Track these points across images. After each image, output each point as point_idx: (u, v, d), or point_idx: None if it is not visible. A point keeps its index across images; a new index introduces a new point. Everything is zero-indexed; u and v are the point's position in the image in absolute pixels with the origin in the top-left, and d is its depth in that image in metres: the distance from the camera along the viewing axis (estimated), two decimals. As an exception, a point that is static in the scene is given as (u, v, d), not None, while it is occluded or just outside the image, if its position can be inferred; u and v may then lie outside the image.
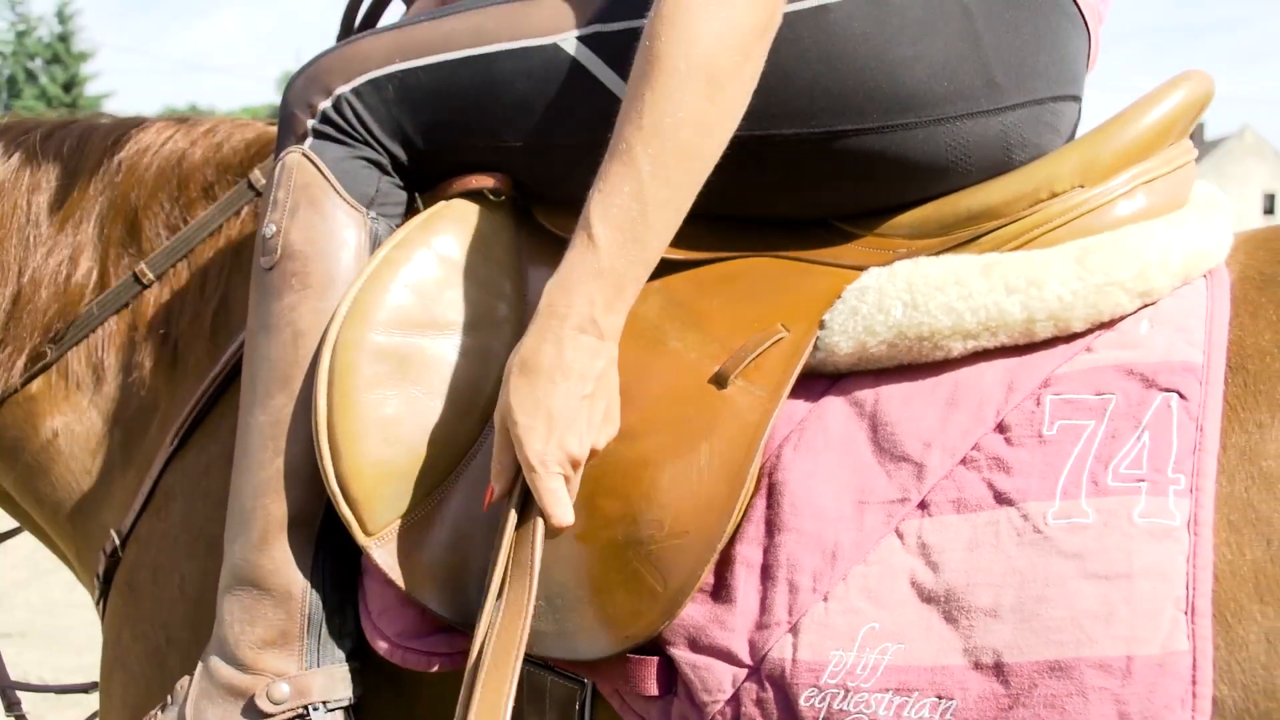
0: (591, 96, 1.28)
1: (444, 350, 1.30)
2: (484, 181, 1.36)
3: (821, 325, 1.22)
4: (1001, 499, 1.11)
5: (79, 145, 1.66)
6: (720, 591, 1.17)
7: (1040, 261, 1.18)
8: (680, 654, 1.17)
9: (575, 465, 1.16)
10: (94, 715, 1.65)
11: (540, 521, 1.16)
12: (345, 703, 1.32)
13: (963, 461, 1.14)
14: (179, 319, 1.57)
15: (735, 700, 1.15)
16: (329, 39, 1.72)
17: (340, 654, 1.33)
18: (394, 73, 1.35)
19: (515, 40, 1.31)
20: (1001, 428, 1.15)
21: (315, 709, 1.31)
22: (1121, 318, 1.17)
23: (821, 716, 1.11)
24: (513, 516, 1.18)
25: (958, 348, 1.18)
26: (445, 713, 1.30)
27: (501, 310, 1.34)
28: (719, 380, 1.22)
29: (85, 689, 1.77)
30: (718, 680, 1.15)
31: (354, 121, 1.36)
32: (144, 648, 1.49)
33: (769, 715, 1.13)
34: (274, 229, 1.35)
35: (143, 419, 1.58)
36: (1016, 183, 1.24)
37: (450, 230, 1.34)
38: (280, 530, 1.31)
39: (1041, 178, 1.23)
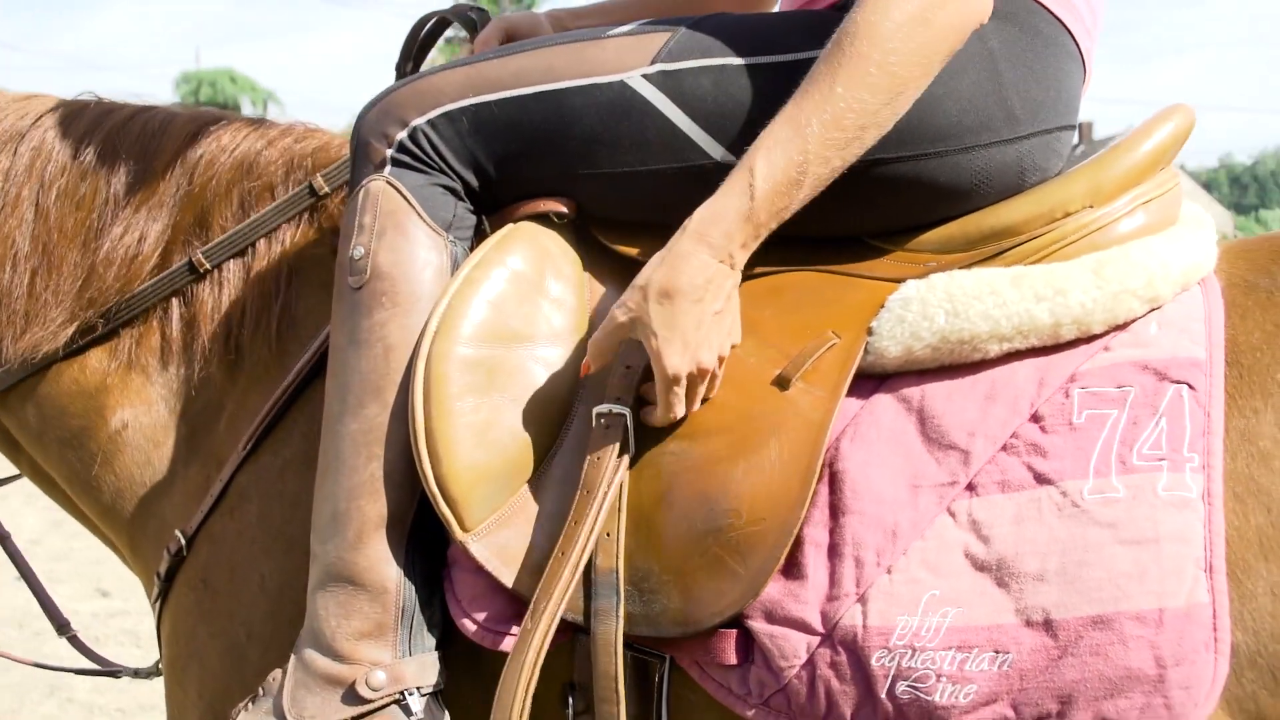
0: (657, 129, 1.43)
1: (521, 360, 1.44)
2: (551, 205, 1.50)
3: (870, 332, 1.38)
4: (1041, 479, 1.28)
5: (159, 132, 1.74)
6: (791, 569, 1.32)
7: (1063, 273, 1.35)
8: (758, 626, 1.32)
9: (704, 374, 1.34)
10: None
11: (623, 480, 1.34)
12: (436, 688, 1.44)
13: (1003, 448, 1.31)
14: (242, 323, 1.66)
15: (810, 664, 1.30)
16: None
17: (430, 643, 1.45)
18: (467, 106, 1.48)
19: (584, 78, 1.46)
20: (1036, 418, 1.32)
21: (410, 694, 1.42)
22: (1133, 321, 1.35)
23: (891, 674, 1.26)
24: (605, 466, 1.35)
25: (994, 349, 1.35)
26: None
27: (568, 323, 1.47)
28: (781, 383, 1.37)
29: (147, 674, 1.84)
30: (793, 647, 1.30)
31: (430, 151, 1.49)
32: (222, 644, 1.58)
33: (843, 676, 1.28)
34: (363, 251, 1.47)
35: (207, 416, 1.66)
36: (1033, 203, 1.41)
37: (522, 250, 1.47)
38: (375, 530, 1.43)
39: (1056, 199, 1.41)
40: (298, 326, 1.65)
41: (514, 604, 1.40)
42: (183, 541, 1.62)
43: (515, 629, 1.40)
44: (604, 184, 1.48)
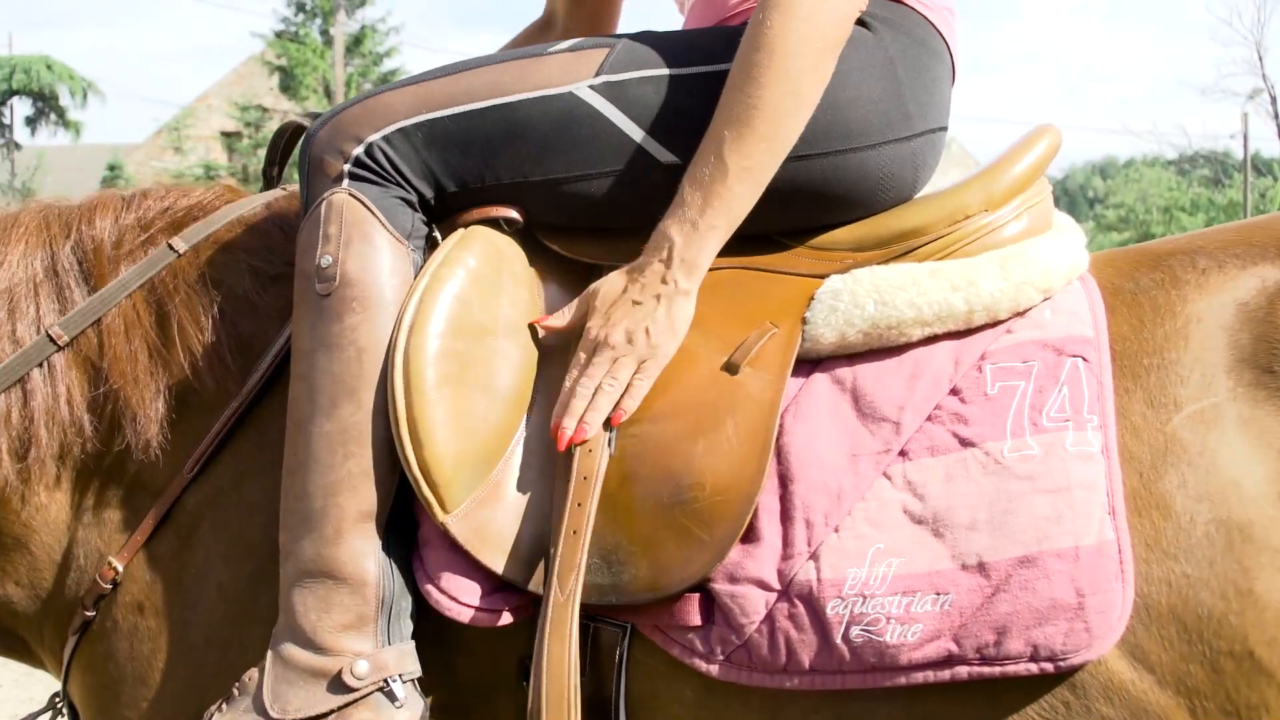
0: (607, 136, 1.57)
1: (487, 352, 1.54)
2: (503, 212, 1.61)
3: (804, 321, 1.55)
4: (965, 443, 1.47)
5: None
6: (749, 534, 1.47)
7: (972, 267, 1.55)
8: (720, 587, 1.46)
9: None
10: None
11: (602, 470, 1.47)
12: (416, 674, 1.51)
13: (929, 419, 1.49)
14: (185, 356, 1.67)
15: (769, 619, 1.44)
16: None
17: (407, 631, 1.53)
18: (421, 121, 1.58)
19: (533, 90, 1.58)
20: (955, 391, 1.51)
21: (393, 681, 1.49)
22: (1030, 308, 1.56)
23: (845, 620, 1.42)
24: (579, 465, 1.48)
25: (916, 334, 1.54)
26: (482, 662, 1.55)
27: (522, 317, 1.59)
28: (730, 369, 1.52)
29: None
30: (753, 604, 1.45)
31: (387, 166, 1.58)
32: (174, 653, 1.60)
33: (801, 626, 1.43)
34: (330, 259, 1.54)
35: (123, 465, 1.66)
36: (935, 208, 1.61)
37: (479, 250, 1.58)
38: (354, 524, 1.50)
39: (955, 204, 1.61)
40: (252, 352, 1.68)
41: (489, 581, 1.50)
42: (119, 569, 1.63)
43: (494, 605, 1.49)
44: (557, 190, 1.60)
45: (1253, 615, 1.40)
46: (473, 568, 1.50)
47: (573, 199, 1.60)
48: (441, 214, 1.64)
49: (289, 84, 30.03)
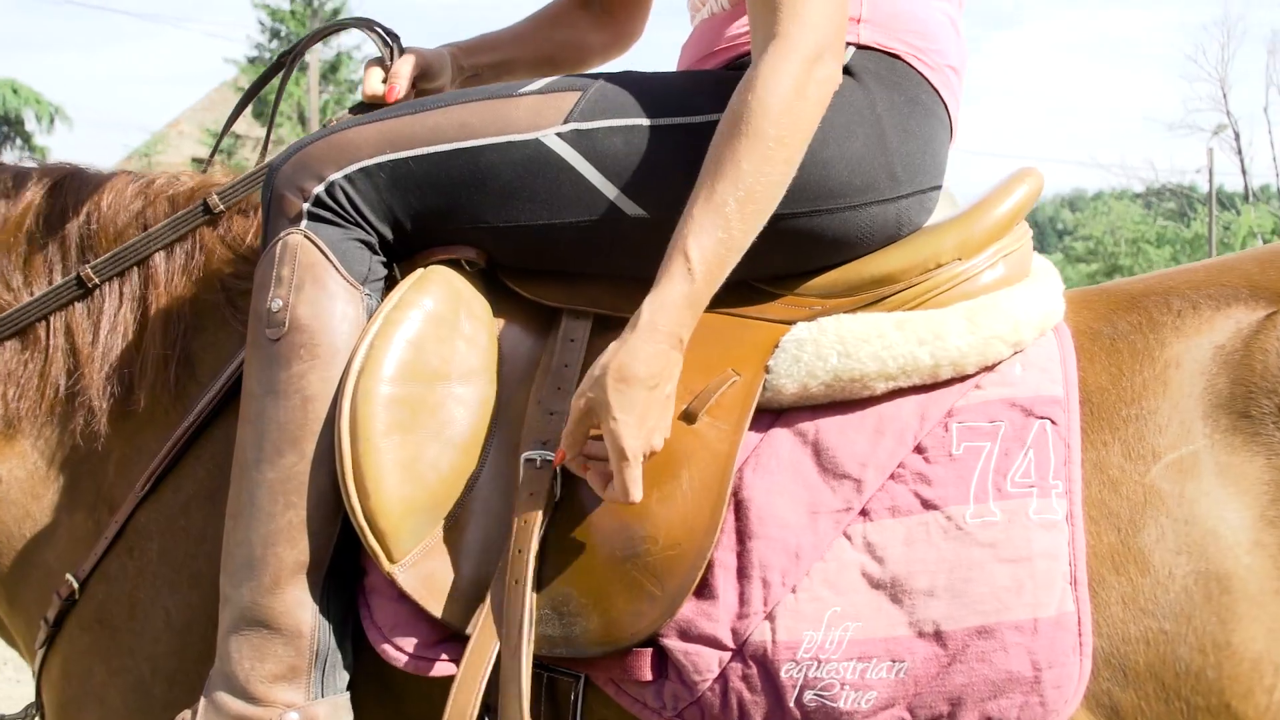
0: (572, 185, 1.52)
1: (441, 398, 1.50)
2: (464, 253, 1.57)
3: (767, 370, 1.50)
4: (927, 505, 1.42)
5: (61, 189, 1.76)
6: (703, 591, 1.43)
7: (940, 319, 1.50)
8: (672, 644, 1.42)
9: (653, 455, 1.42)
10: None
11: (538, 524, 1.42)
12: None
13: (892, 477, 1.45)
14: (133, 363, 1.66)
15: (722, 678, 1.40)
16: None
17: (342, 683, 1.50)
18: (384, 162, 1.54)
19: (500, 135, 1.53)
20: (919, 449, 1.46)
21: None
22: (1000, 362, 1.51)
23: (799, 684, 1.38)
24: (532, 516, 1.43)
25: (880, 387, 1.49)
26: (437, 711, 1.48)
27: (481, 361, 1.55)
28: (688, 417, 1.47)
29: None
30: (706, 662, 1.41)
31: (347, 206, 1.54)
32: (125, 681, 1.58)
33: (754, 687, 1.39)
34: (281, 304, 1.51)
35: (94, 463, 1.66)
36: (908, 254, 1.56)
37: (436, 292, 1.54)
38: (292, 575, 1.47)
39: (929, 251, 1.56)
40: (194, 366, 1.67)
41: (437, 631, 1.46)
42: (75, 585, 1.61)
43: (444, 656, 1.45)
44: (519, 236, 1.56)
45: (1229, 668, 1.37)
46: (420, 617, 1.47)
47: (534, 246, 1.56)
48: (401, 252, 1.60)
49: (262, 110, 29.84)
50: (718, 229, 1.40)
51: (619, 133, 1.52)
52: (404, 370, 1.49)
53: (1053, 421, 1.46)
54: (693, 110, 1.53)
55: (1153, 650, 1.38)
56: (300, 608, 1.47)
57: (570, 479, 1.47)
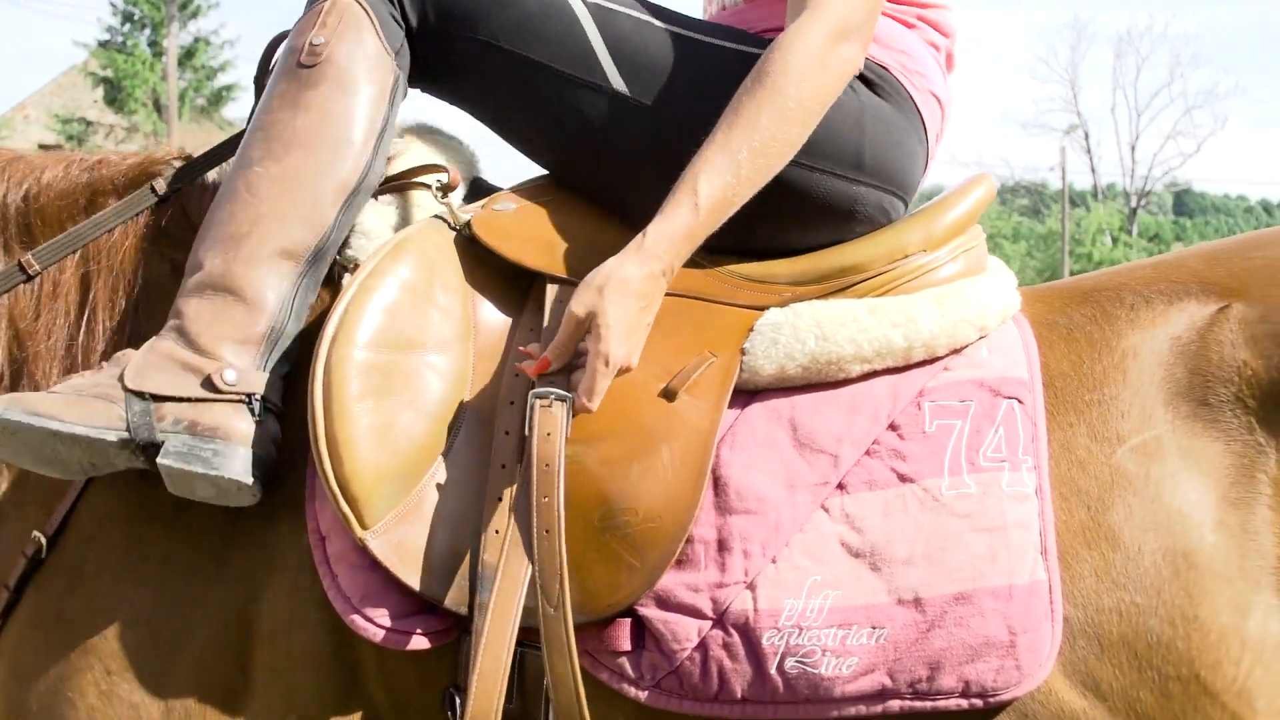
0: (575, 40, 1.61)
1: (415, 366, 1.50)
2: (439, 172, 1.63)
3: (743, 352, 1.55)
4: (904, 478, 1.48)
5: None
6: (682, 562, 1.44)
7: (911, 304, 1.56)
8: (650, 613, 1.43)
9: (624, 372, 1.46)
10: None
11: (558, 492, 1.40)
12: (279, 408, 1.54)
13: (867, 453, 1.50)
14: (80, 350, 1.64)
15: (702, 647, 1.42)
16: None
17: (283, 371, 1.56)
18: None
19: None
20: (893, 426, 1.51)
21: (256, 399, 1.51)
22: (967, 345, 1.57)
23: (781, 651, 1.41)
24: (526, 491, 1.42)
25: (856, 370, 1.54)
26: (401, 688, 1.50)
27: (455, 331, 1.55)
28: (668, 395, 1.50)
29: None
30: (685, 631, 1.43)
31: None
32: (85, 679, 1.52)
33: (735, 656, 1.42)
34: (323, 40, 1.60)
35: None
36: (875, 246, 1.62)
37: (412, 261, 1.54)
38: (270, 256, 1.54)
39: (895, 243, 1.62)
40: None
41: (409, 601, 1.45)
42: (43, 541, 1.56)
43: (407, 626, 1.44)
44: (512, 67, 1.63)
45: (1198, 639, 1.43)
46: (391, 587, 1.45)
47: (522, 83, 1.64)
48: (419, 60, 1.67)
49: (115, 96, 28.74)
50: (727, 172, 1.47)
51: (631, 20, 1.63)
52: (378, 337, 1.49)
53: (1020, 401, 1.52)
54: (702, 31, 1.64)
55: (1125, 622, 1.44)
56: (269, 284, 1.54)
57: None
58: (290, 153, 1.56)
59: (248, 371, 1.52)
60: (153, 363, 1.51)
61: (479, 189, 1.73)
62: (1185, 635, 1.43)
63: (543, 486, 1.40)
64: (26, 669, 1.55)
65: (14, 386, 1.64)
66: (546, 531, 1.39)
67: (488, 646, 1.39)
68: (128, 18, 30.34)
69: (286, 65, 1.61)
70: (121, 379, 1.51)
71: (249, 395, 1.51)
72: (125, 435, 1.48)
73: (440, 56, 1.67)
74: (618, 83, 1.61)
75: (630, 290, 1.44)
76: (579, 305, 1.45)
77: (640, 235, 1.47)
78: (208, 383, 1.51)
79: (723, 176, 1.47)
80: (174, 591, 1.53)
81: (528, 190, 1.69)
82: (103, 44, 29.98)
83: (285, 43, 1.65)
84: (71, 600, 1.55)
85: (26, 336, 1.65)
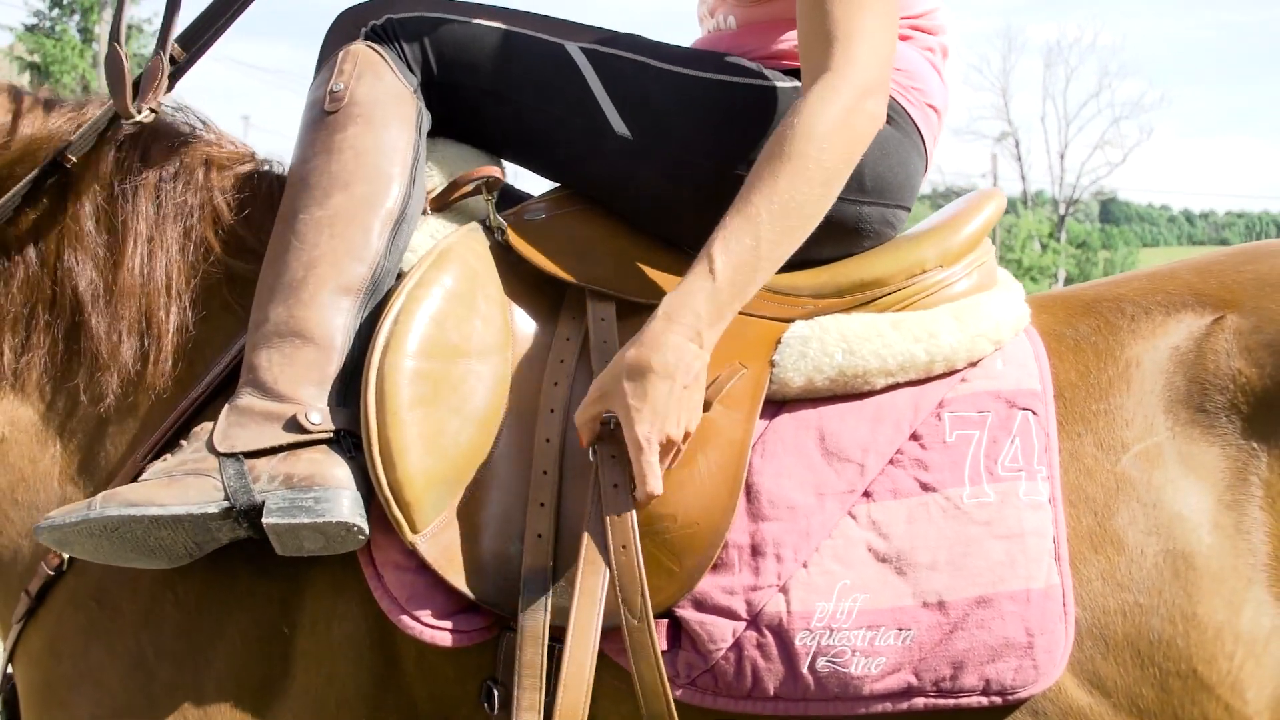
0: (577, 89, 1.67)
1: (461, 374, 1.56)
2: (488, 171, 1.67)
3: (772, 364, 1.61)
4: (926, 487, 1.55)
5: None
6: (717, 566, 1.51)
7: (931, 319, 1.64)
8: (687, 614, 1.50)
9: (671, 445, 1.48)
10: None
11: (632, 512, 1.47)
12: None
13: (891, 462, 1.57)
14: (138, 340, 1.65)
15: (736, 646, 1.49)
16: None
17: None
18: (432, 16, 1.72)
19: (534, 33, 1.70)
20: (915, 437, 1.59)
21: (345, 436, 1.53)
22: (982, 358, 1.66)
23: (812, 651, 1.49)
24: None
25: (880, 382, 1.61)
26: (439, 684, 1.55)
27: (496, 339, 1.61)
28: (702, 405, 1.56)
29: None
30: (721, 632, 1.50)
31: (393, 40, 1.69)
32: (125, 662, 1.57)
33: (769, 655, 1.49)
34: (343, 86, 1.65)
35: (93, 429, 1.64)
36: (894, 261, 1.69)
37: (456, 269, 1.60)
38: (330, 294, 1.57)
39: (913, 259, 1.69)
40: (205, 352, 1.67)
41: (452, 601, 1.51)
42: (64, 557, 1.59)
43: (453, 624, 1.50)
44: (516, 116, 1.70)
45: (1195, 636, 1.52)
46: (438, 588, 1.51)
47: (527, 131, 1.71)
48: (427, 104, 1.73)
49: (43, 83, 28.13)
50: (745, 235, 1.50)
51: (630, 63, 1.68)
52: (427, 346, 1.54)
53: (1034, 412, 1.61)
54: (701, 67, 1.68)
55: (1129, 622, 1.53)
56: (333, 322, 1.56)
57: (580, 457, 1.54)
58: (331, 196, 1.59)
59: (331, 409, 1.54)
60: (235, 422, 1.52)
61: (506, 195, 1.78)
62: (1184, 633, 1.53)
63: (616, 505, 1.46)
64: (65, 647, 1.58)
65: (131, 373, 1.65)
66: (624, 547, 1.45)
67: (572, 658, 1.45)
68: (56, 3, 29.78)
69: (311, 116, 1.66)
70: (210, 446, 1.51)
71: (337, 432, 1.52)
72: (226, 504, 1.47)
73: (450, 106, 1.72)
74: (619, 126, 1.66)
75: (646, 368, 1.46)
76: (596, 386, 1.50)
77: (660, 307, 1.51)
78: (294, 425, 1.51)
79: (740, 241, 1.50)
80: (222, 579, 1.56)
81: (556, 198, 1.75)
82: (30, 28, 29.37)
83: (307, 98, 1.69)
84: (113, 584, 1.59)
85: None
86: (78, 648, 1.59)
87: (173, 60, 1.74)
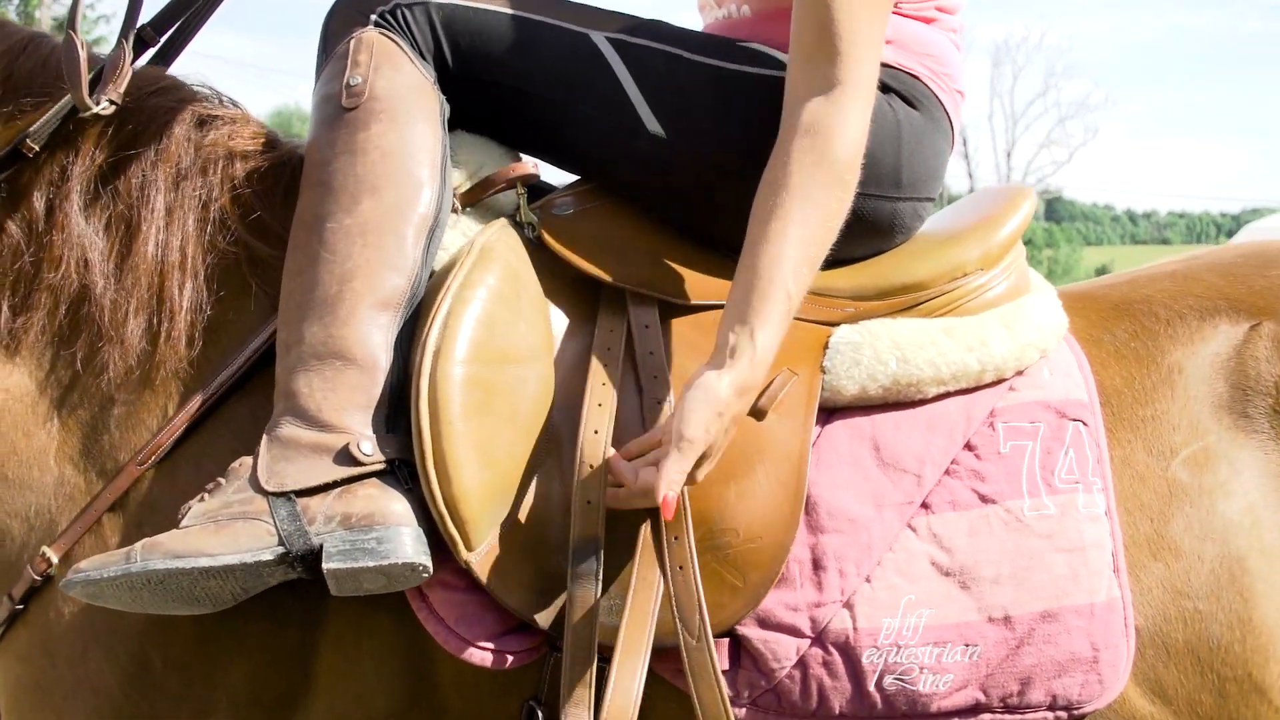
0: (605, 82, 1.59)
1: (510, 379, 1.48)
2: (523, 170, 1.61)
3: (823, 370, 1.57)
4: (985, 499, 1.53)
5: None
6: (779, 583, 1.47)
7: (982, 326, 1.61)
8: (750, 632, 1.46)
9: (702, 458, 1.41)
10: None
11: (688, 530, 1.41)
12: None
13: (947, 472, 1.55)
14: (143, 321, 1.56)
15: (801, 665, 1.46)
16: None
17: (404, 429, 1.46)
18: (446, 4, 1.61)
19: (556, 20, 1.62)
20: (969, 447, 1.56)
21: (399, 466, 1.43)
22: (1028, 367, 1.63)
23: (880, 669, 1.46)
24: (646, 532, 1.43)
25: (932, 391, 1.58)
26: (479, 704, 1.50)
27: (540, 342, 1.54)
28: (757, 414, 1.50)
29: None
30: (785, 650, 1.46)
31: (405, 28, 1.60)
32: (128, 671, 1.49)
33: (835, 674, 1.46)
34: (360, 79, 1.55)
35: (97, 407, 1.55)
36: (935, 262, 1.66)
37: (498, 269, 1.52)
38: (368, 310, 1.47)
39: (955, 261, 1.66)
40: (221, 339, 1.58)
41: (501, 620, 1.45)
42: (54, 560, 1.49)
43: (502, 645, 1.44)
44: (540, 112, 1.62)
45: (1251, 641, 1.54)
46: (488, 607, 1.45)
47: (551, 128, 1.63)
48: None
49: None
50: (778, 291, 1.45)
51: (660, 55, 1.61)
52: (477, 352, 1.45)
53: (1084, 424, 1.59)
54: (730, 59, 1.62)
55: (1190, 628, 1.53)
56: (374, 340, 1.46)
57: None
58: (359, 201, 1.50)
59: (380, 436, 1.44)
60: (281, 455, 1.42)
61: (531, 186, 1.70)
62: (1241, 638, 1.53)
63: (672, 527, 1.41)
64: (61, 650, 1.50)
65: (138, 363, 1.55)
66: (680, 567, 1.40)
67: (618, 686, 1.38)
68: (13, -9, 29.25)
69: (328, 113, 1.55)
70: (256, 485, 1.41)
71: (392, 462, 1.43)
72: (281, 549, 1.38)
73: (466, 98, 1.63)
74: (651, 123, 1.59)
75: (690, 440, 1.39)
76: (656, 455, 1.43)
77: (746, 343, 1.44)
78: (345, 458, 1.42)
79: (776, 306, 1.45)
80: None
81: (581, 192, 1.68)
82: (-15, 16, 28.92)
83: (317, 92, 1.59)
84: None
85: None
86: (75, 651, 1.50)
87: (147, 44, 1.67)
